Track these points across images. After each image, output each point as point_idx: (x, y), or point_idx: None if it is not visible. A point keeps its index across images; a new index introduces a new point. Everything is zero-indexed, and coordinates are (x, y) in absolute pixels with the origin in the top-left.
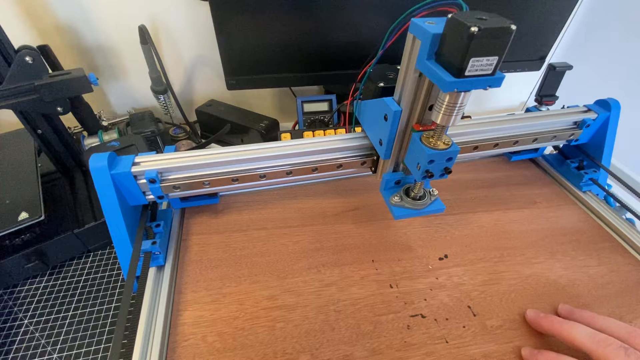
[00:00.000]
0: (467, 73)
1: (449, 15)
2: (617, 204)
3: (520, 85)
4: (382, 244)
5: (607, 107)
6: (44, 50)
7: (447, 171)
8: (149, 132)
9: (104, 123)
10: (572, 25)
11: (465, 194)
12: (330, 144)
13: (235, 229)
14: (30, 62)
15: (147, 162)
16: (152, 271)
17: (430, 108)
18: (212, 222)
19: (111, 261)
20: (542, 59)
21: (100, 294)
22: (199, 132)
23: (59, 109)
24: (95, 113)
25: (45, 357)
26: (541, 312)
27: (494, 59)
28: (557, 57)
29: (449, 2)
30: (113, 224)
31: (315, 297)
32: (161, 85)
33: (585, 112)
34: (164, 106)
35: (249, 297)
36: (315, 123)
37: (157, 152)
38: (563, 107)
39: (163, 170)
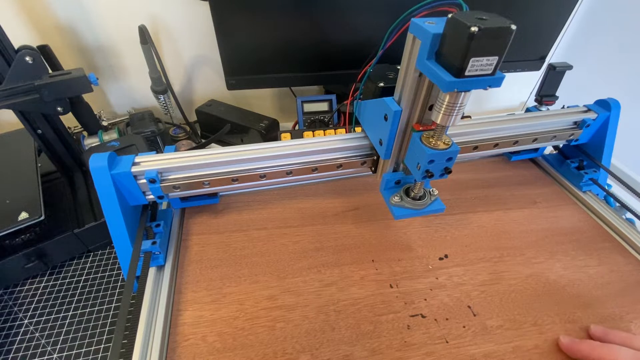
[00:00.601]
0: (467, 73)
1: (449, 15)
2: (617, 204)
3: (520, 85)
4: (382, 244)
5: (607, 107)
6: (44, 50)
7: (447, 171)
8: (149, 132)
9: (104, 123)
10: (572, 25)
11: (465, 194)
12: (330, 144)
13: (235, 229)
14: (30, 62)
15: (147, 162)
16: (152, 271)
17: (430, 108)
18: (212, 222)
19: (111, 261)
20: (542, 59)
21: (100, 294)
22: (199, 132)
23: (59, 109)
24: (95, 113)
25: (45, 357)
26: (575, 338)
27: (494, 59)
28: (557, 57)
29: (449, 2)
30: (113, 224)
31: (315, 297)
32: (161, 85)
33: (585, 112)
34: (164, 106)
35: (249, 297)
36: (315, 123)
37: (157, 152)
38: (563, 107)
39: (163, 170)
